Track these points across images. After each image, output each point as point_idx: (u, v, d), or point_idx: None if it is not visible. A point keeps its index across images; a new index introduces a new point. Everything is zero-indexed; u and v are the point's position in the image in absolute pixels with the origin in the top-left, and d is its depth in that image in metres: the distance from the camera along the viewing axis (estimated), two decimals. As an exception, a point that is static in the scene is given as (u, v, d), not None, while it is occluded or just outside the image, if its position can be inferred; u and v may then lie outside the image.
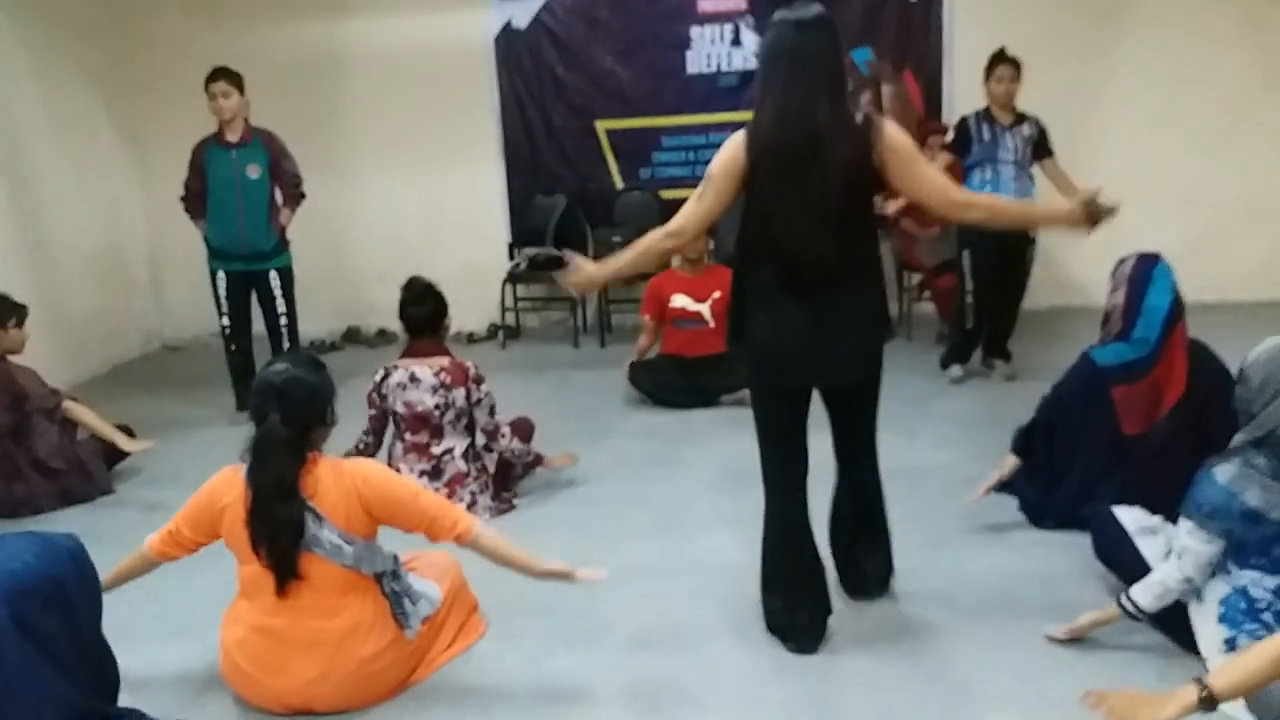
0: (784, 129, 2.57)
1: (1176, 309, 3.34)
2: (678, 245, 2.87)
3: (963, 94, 6.60)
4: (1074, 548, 3.22)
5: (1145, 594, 2.64)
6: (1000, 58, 5.22)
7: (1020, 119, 5.23)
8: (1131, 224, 6.48)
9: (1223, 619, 2.55)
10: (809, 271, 2.64)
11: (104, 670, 1.55)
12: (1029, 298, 5.83)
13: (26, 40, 5.96)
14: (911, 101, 6.71)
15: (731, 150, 2.65)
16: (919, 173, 2.65)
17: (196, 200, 5.17)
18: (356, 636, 2.56)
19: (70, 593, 1.51)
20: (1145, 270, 3.40)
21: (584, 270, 3.01)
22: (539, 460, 4.07)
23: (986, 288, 5.28)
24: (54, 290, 5.93)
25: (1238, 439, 2.54)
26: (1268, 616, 2.50)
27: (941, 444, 4.41)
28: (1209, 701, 1.98)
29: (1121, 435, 3.32)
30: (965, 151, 5.25)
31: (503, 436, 3.88)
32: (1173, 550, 2.62)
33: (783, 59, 2.59)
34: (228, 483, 2.61)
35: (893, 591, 3.13)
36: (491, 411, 3.83)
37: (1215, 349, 3.36)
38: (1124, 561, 2.91)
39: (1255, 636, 2.48)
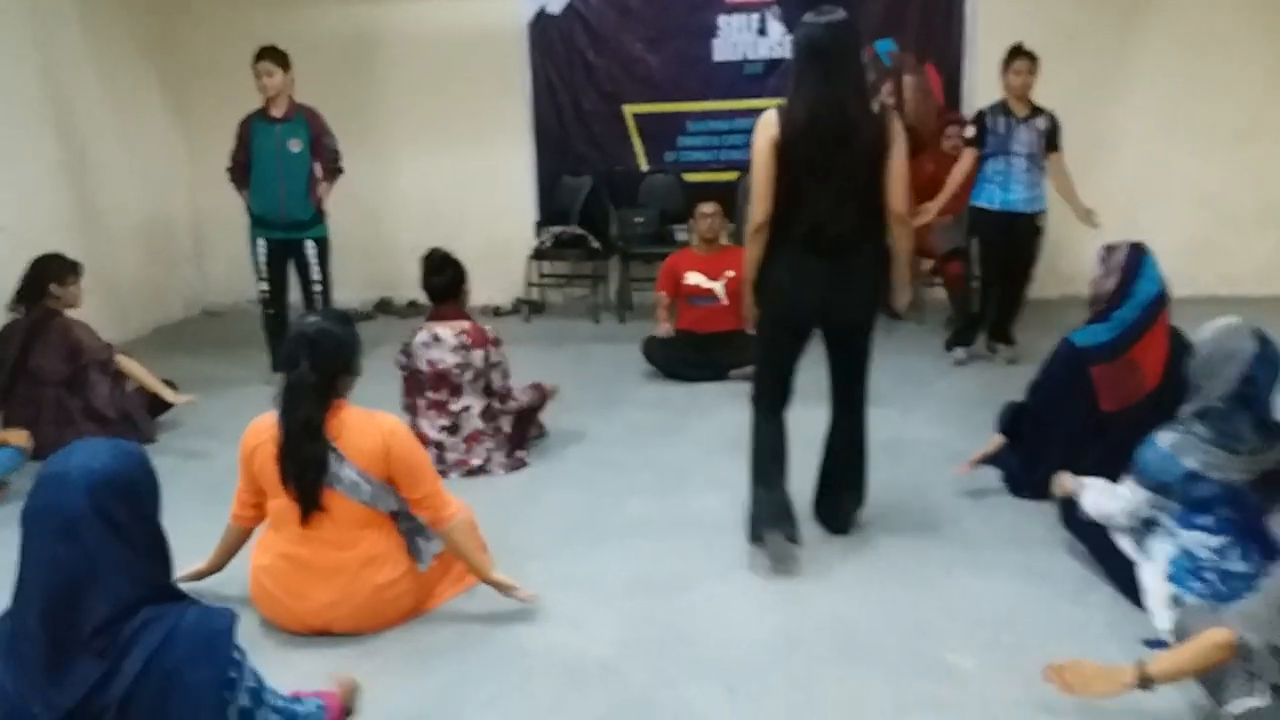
0: (818, 117, 3.02)
1: (1162, 296, 3.52)
2: (761, 228, 3.16)
3: (984, 87, 6.74)
4: (1046, 516, 3.42)
5: (1091, 504, 2.98)
6: (1018, 51, 5.35)
7: (1036, 112, 5.36)
8: (1147, 219, 6.73)
9: (1170, 578, 2.76)
10: (831, 239, 3.10)
11: (164, 554, 1.82)
12: (1040, 287, 6.00)
13: (83, 17, 6.28)
14: (932, 93, 6.86)
15: (768, 131, 3.08)
16: (896, 166, 3.11)
17: (242, 171, 5.46)
18: (372, 566, 2.83)
19: (139, 488, 1.78)
20: (1137, 259, 3.57)
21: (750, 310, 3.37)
22: (544, 396, 4.35)
23: (994, 274, 5.46)
24: (103, 255, 6.24)
25: (1184, 410, 2.75)
26: (1210, 575, 2.71)
27: (936, 421, 4.62)
28: (1146, 682, 2.22)
29: (1100, 413, 3.51)
30: (978, 138, 5.40)
31: (513, 400, 4.14)
32: (1119, 493, 2.86)
33: (815, 56, 3.05)
34: (255, 429, 2.89)
35: (865, 533, 3.44)
36: (505, 375, 4.09)
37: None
38: (1086, 529, 3.12)
39: (1198, 594, 2.70)
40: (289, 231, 5.45)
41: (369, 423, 2.83)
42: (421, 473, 2.90)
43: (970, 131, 5.48)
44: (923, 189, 6.38)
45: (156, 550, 1.79)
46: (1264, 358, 2.60)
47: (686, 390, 5.22)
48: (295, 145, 5.38)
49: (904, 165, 3.16)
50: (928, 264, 6.58)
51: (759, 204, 3.14)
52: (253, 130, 5.39)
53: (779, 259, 3.17)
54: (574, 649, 2.80)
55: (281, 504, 2.81)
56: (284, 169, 5.36)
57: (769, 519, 3.25)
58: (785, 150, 3.06)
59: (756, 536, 3.28)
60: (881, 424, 4.49)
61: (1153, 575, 2.81)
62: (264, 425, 2.85)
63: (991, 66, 6.71)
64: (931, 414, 4.72)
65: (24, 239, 5.10)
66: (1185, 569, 2.74)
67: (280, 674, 2.17)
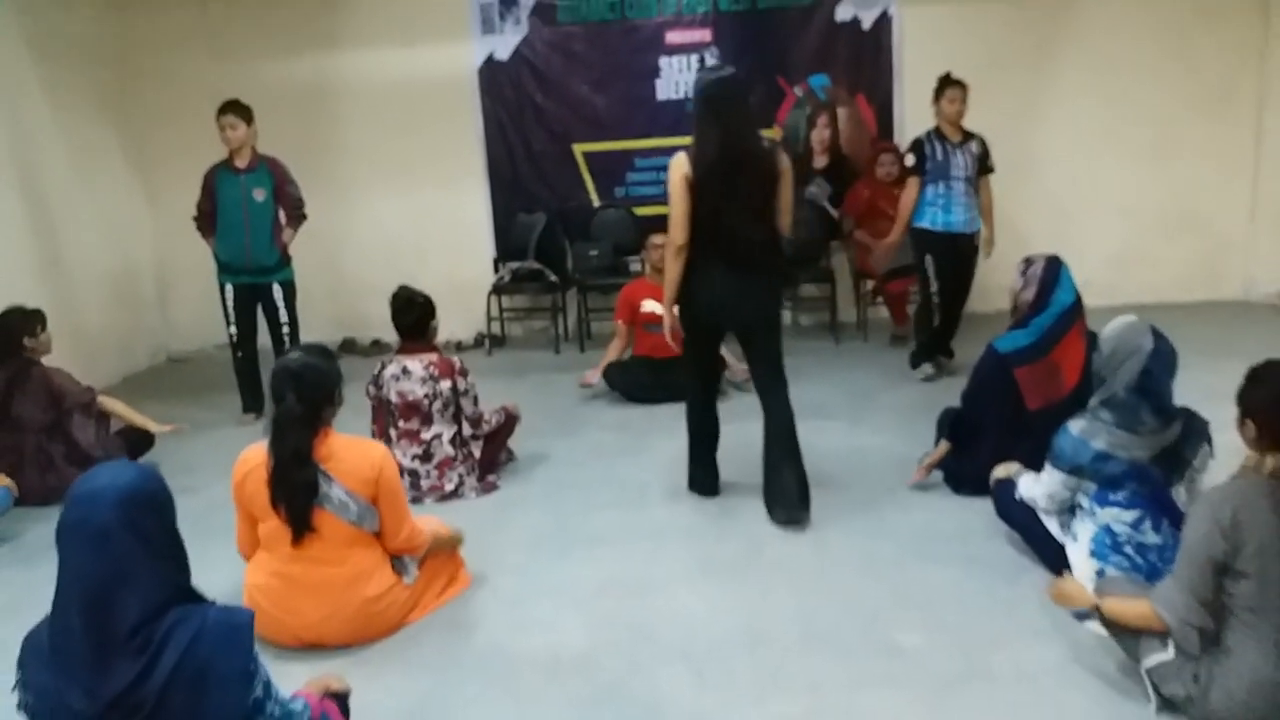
0: (725, 152, 3.64)
1: (1077, 304, 3.84)
2: (680, 250, 3.75)
3: (913, 115, 7.12)
4: (985, 510, 3.70)
5: (1024, 488, 3.29)
6: (949, 81, 5.63)
7: (968, 137, 5.66)
8: (1072, 232, 7.11)
9: (1093, 554, 3.04)
10: (739, 251, 3.71)
11: (185, 560, 2.01)
12: (981, 301, 6.35)
13: (46, 75, 6.43)
14: (865, 123, 7.24)
15: (681, 169, 3.69)
16: (786, 192, 3.78)
17: (207, 220, 5.63)
18: (360, 582, 3.03)
19: (160, 501, 1.97)
20: (1053, 271, 3.89)
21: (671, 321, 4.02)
22: (512, 421, 4.58)
23: (949, 289, 5.72)
24: (70, 306, 6.35)
25: (1092, 400, 3.05)
26: (1128, 549, 2.99)
27: (880, 430, 4.90)
28: (1096, 610, 2.61)
29: (1025, 411, 3.80)
30: (916, 168, 5.65)
31: (485, 423, 4.36)
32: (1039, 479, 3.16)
33: (712, 105, 3.67)
34: (244, 460, 3.08)
35: (821, 534, 3.70)
36: (475, 401, 4.31)
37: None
38: (1018, 518, 3.41)
39: (1120, 567, 2.98)
40: (255, 276, 5.63)
41: (361, 449, 3.05)
42: (402, 505, 3.12)
43: (911, 160, 5.70)
44: (861, 214, 6.77)
45: (178, 556, 1.99)
46: (1159, 352, 2.92)
47: (646, 412, 5.46)
48: (260, 194, 5.58)
49: (790, 192, 3.80)
50: (869, 285, 6.93)
51: (678, 230, 3.71)
52: (218, 180, 5.57)
53: (697, 273, 3.77)
54: (551, 648, 3.02)
55: (273, 526, 3.00)
56: (249, 217, 5.54)
57: (696, 486, 4.16)
58: (697, 183, 3.65)
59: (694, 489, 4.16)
60: (832, 435, 4.84)
61: (1077, 553, 3.09)
62: (252, 455, 3.05)
63: (919, 97, 7.10)
64: (877, 424, 5.00)
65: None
66: (1106, 545, 3.02)
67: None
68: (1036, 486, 3.21)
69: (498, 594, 3.40)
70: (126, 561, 1.88)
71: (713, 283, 3.76)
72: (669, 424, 5.20)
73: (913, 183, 5.66)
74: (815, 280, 7.14)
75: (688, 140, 7.08)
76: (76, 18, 6.82)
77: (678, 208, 3.69)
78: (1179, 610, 2.41)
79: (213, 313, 5.97)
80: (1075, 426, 3.02)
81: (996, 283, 6.90)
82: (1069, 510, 3.20)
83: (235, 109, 5.47)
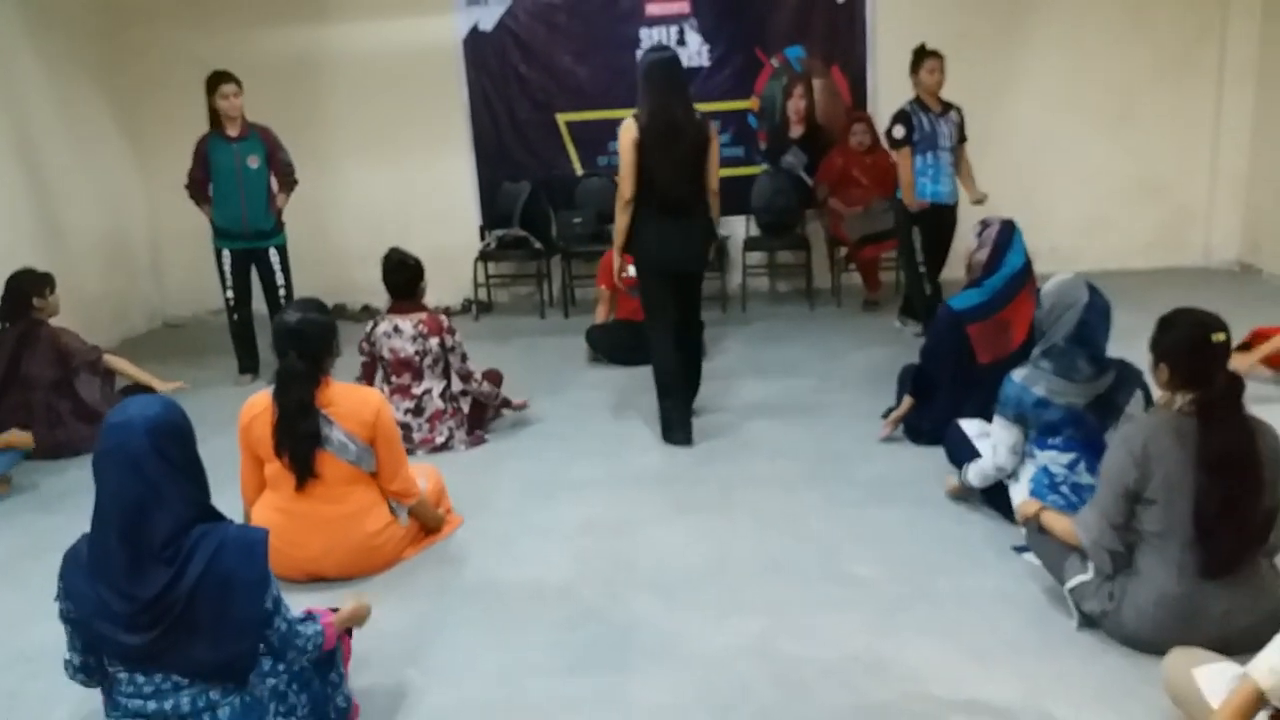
0: (662, 119, 4.24)
1: (1027, 266, 4.11)
2: (628, 203, 4.34)
3: (886, 86, 7.35)
4: (939, 457, 3.98)
5: (974, 475, 3.45)
6: (926, 52, 5.74)
7: (947, 107, 5.80)
8: (1040, 200, 7.36)
9: (1032, 493, 3.32)
10: (675, 204, 4.32)
11: (205, 482, 2.26)
12: (953, 268, 6.58)
13: (41, 48, 6.60)
14: (839, 93, 7.45)
15: (630, 133, 4.27)
16: (715, 157, 4.42)
17: (199, 188, 5.82)
18: (359, 518, 3.29)
19: (184, 430, 2.21)
20: (1006, 234, 4.16)
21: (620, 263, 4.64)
22: (506, 402, 4.78)
23: (930, 261, 5.86)
24: (67, 272, 6.45)
25: (1035, 351, 3.32)
26: (1064, 488, 3.27)
27: (848, 387, 5.16)
28: (1036, 518, 2.97)
29: (977, 365, 4.07)
30: (906, 139, 5.69)
31: (475, 380, 4.60)
32: (992, 443, 3.40)
33: (655, 80, 4.29)
34: (249, 406, 3.32)
35: (788, 481, 3.99)
36: (464, 358, 4.55)
37: (1116, 312, 4.00)
38: (966, 460, 3.68)
39: (1056, 505, 3.25)
40: (253, 241, 5.83)
41: (359, 395, 3.30)
42: (399, 449, 3.38)
43: (900, 132, 5.72)
44: (834, 182, 7.00)
45: (200, 479, 2.24)
46: (1093, 305, 3.17)
47: (627, 373, 5.71)
48: (254, 161, 5.77)
49: (718, 155, 4.45)
50: (843, 251, 7.18)
51: (627, 184, 4.30)
52: (210, 149, 5.75)
53: (644, 224, 4.36)
54: (535, 578, 3.30)
55: (277, 467, 3.25)
56: (245, 184, 5.74)
57: (676, 424, 4.49)
58: (642, 145, 4.24)
59: (667, 438, 4.48)
60: (801, 392, 5.13)
61: (1018, 493, 3.37)
62: (258, 400, 3.29)
63: (892, 68, 7.34)
64: (843, 381, 5.27)
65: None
66: (1044, 484, 3.30)
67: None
68: (1000, 448, 3.37)
69: (487, 533, 3.66)
70: (157, 483, 2.12)
71: (657, 231, 4.36)
72: (648, 383, 5.43)
73: (905, 154, 5.73)
74: (791, 247, 7.38)
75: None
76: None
77: (627, 166, 4.28)
78: (1093, 531, 2.70)
79: (206, 279, 6.17)
80: (1018, 374, 3.29)
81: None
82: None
83: (229, 78, 5.65)
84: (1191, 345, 2.65)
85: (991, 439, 3.41)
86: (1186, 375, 2.65)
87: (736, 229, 7.43)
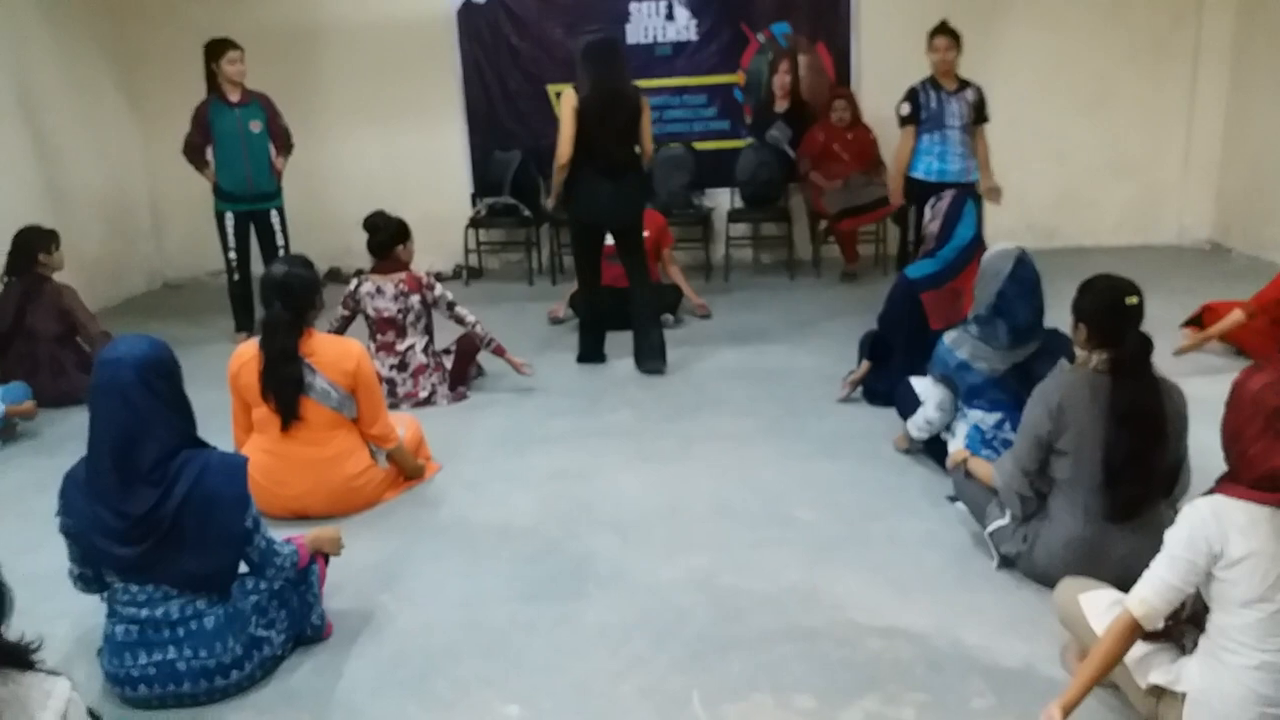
0: (604, 90, 4.83)
1: (977, 238, 4.32)
2: (564, 165, 4.96)
3: (869, 63, 7.57)
4: (890, 417, 4.20)
5: (912, 427, 3.71)
6: (940, 29, 5.73)
7: (963, 85, 5.70)
8: (1016, 178, 7.58)
9: (966, 446, 3.56)
10: (613, 165, 4.94)
11: (191, 413, 2.49)
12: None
13: (47, 15, 6.81)
14: (824, 70, 7.64)
15: (571, 102, 4.87)
16: (645, 122, 4.99)
17: (197, 152, 6.04)
18: (340, 460, 3.54)
19: (170, 365, 2.45)
20: (957, 207, 4.37)
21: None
22: (500, 349, 4.98)
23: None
24: (70, 233, 6.67)
25: (969, 315, 3.54)
26: (995, 444, 3.50)
27: (817, 353, 5.38)
28: (963, 465, 3.25)
29: (930, 331, 4.29)
30: (913, 116, 5.67)
31: (469, 319, 4.80)
32: (924, 398, 3.64)
33: (592, 56, 4.87)
34: (238, 355, 3.56)
35: (747, 436, 4.21)
36: (451, 305, 4.78)
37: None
38: (903, 406, 3.92)
39: (987, 458, 3.49)
40: (255, 204, 6.05)
41: (342, 346, 3.54)
42: (378, 397, 3.62)
43: (905, 109, 5.67)
44: (816, 157, 7.21)
45: (185, 410, 2.49)
46: (1015, 277, 3.38)
47: (608, 337, 5.93)
48: (255, 126, 5.99)
49: (649, 121, 5.02)
50: (823, 224, 7.38)
51: (565, 147, 4.89)
52: (212, 114, 5.96)
53: (580, 183, 4.97)
54: (503, 519, 3.55)
55: (264, 412, 3.49)
56: (248, 148, 5.96)
57: (588, 356, 5.39)
58: (582, 113, 4.83)
59: (640, 367, 5.21)
60: (772, 356, 5.37)
61: (954, 445, 3.61)
62: (246, 349, 3.54)
63: (876, 45, 7.56)
64: (813, 348, 5.49)
65: (-2, 218, 5.66)
66: (976, 440, 3.54)
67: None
68: (929, 403, 3.66)
69: (461, 479, 3.92)
70: (145, 413, 2.37)
71: (593, 189, 4.97)
72: (626, 346, 5.70)
73: (908, 132, 5.69)
74: (774, 219, 7.59)
75: (656, 82, 7.66)
76: (74, -43, 7.17)
77: (566, 131, 4.87)
78: (1006, 476, 2.94)
79: (205, 241, 6.39)
80: (947, 337, 3.53)
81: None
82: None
83: (238, 45, 5.85)
84: (1107, 307, 2.87)
85: (932, 392, 3.65)
86: (1101, 335, 2.87)
87: (721, 201, 7.64)
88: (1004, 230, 5.74)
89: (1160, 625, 2.17)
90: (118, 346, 2.45)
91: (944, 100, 5.67)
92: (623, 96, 4.87)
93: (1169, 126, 7.74)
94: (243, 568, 2.60)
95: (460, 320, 4.79)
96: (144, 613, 2.46)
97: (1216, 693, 2.10)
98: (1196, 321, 5.13)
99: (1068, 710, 2.11)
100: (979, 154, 5.82)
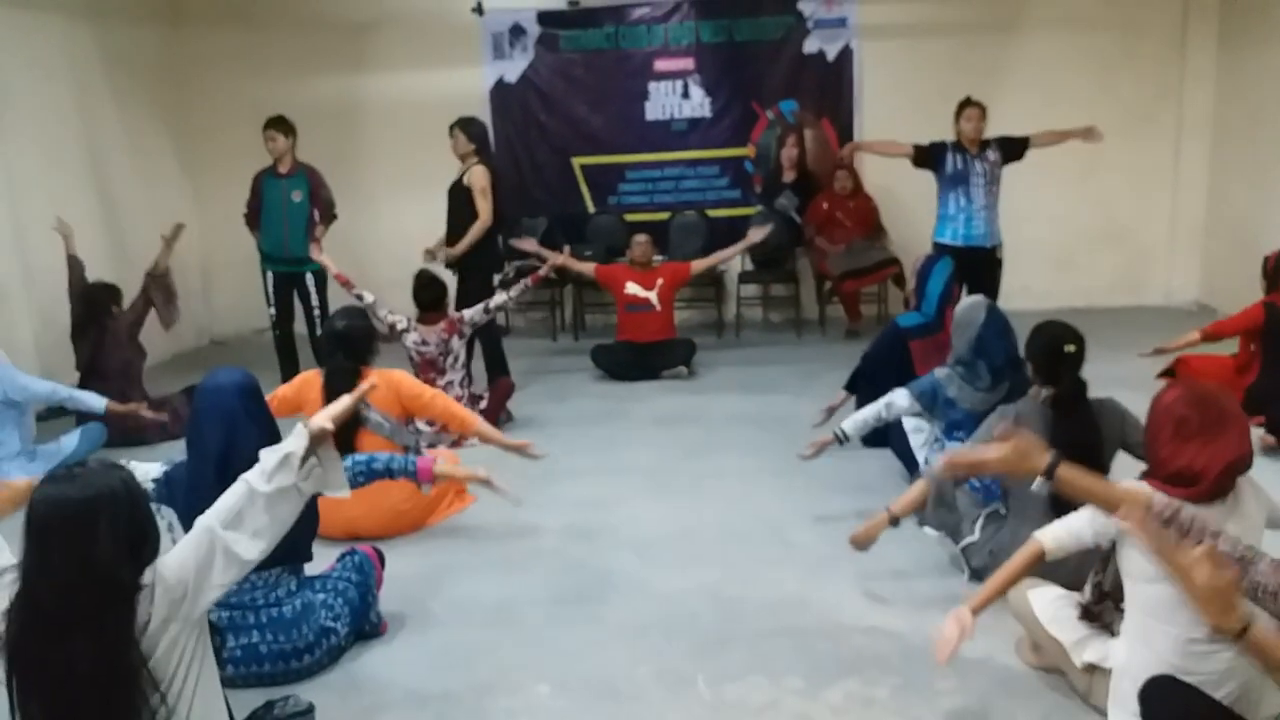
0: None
1: (947, 293, 4.79)
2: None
3: (871, 136, 8.05)
4: (885, 457, 4.64)
5: (850, 425, 4.17)
6: (968, 102, 6.23)
7: (984, 146, 6.12)
8: (1013, 242, 8.01)
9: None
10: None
11: (276, 429, 2.99)
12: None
13: (114, 90, 7.47)
14: (829, 143, 8.20)
15: (489, 177, 6.00)
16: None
17: (254, 216, 6.64)
18: (390, 487, 3.98)
19: (260, 391, 2.95)
20: (928, 266, 4.90)
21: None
22: (509, 387, 5.62)
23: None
24: (128, 289, 7.24)
25: (949, 360, 4.00)
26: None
27: (818, 401, 5.62)
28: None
29: (914, 374, 4.73)
30: (929, 163, 6.13)
31: (494, 302, 5.62)
32: (888, 400, 4.08)
33: (485, 138, 6.21)
34: (312, 387, 4.04)
35: (752, 475, 4.65)
36: (485, 309, 5.52)
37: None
38: (898, 448, 4.37)
39: (966, 488, 3.91)
40: (292, 266, 6.61)
41: (386, 377, 4.04)
42: (428, 394, 4.14)
43: (925, 143, 6.08)
44: (821, 223, 7.73)
45: (272, 425, 2.97)
46: (988, 323, 3.86)
47: (627, 387, 6.42)
48: (297, 196, 6.57)
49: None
50: (828, 285, 7.87)
51: (489, 215, 6.02)
52: (263, 183, 6.58)
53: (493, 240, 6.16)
54: (533, 540, 4.01)
55: (325, 444, 3.97)
56: (288, 215, 6.54)
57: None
58: (494, 185, 5.94)
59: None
60: (778, 405, 5.81)
61: (917, 442, 4.07)
62: (314, 376, 4.03)
63: (877, 120, 8.11)
64: (817, 396, 5.86)
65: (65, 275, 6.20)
66: (953, 467, 3.97)
67: (323, 558, 3.35)
68: (892, 407, 4.12)
69: (494, 508, 4.32)
70: (242, 430, 2.85)
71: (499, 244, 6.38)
72: (644, 395, 6.19)
73: (905, 147, 6.13)
74: (782, 281, 8.11)
75: (673, 155, 8.20)
76: (142, 35, 7.88)
77: (488, 201, 5.94)
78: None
79: (250, 301, 6.92)
80: (940, 373, 3.99)
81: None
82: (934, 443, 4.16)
83: (277, 124, 6.46)
84: (1049, 351, 3.34)
85: (891, 398, 4.08)
86: (1043, 374, 3.34)
87: (733, 263, 8.13)
88: (1002, 291, 6.19)
89: (1059, 556, 2.63)
90: (218, 376, 2.95)
91: (969, 161, 6.06)
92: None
93: (1156, 194, 8.23)
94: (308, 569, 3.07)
95: (493, 310, 5.56)
96: (233, 598, 2.92)
97: (1138, 663, 2.50)
98: (1170, 373, 5.55)
99: (975, 612, 2.57)
100: (1048, 138, 6.27)
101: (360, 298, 5.52)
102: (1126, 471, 2.85)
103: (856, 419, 4.17)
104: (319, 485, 2.31)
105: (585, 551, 3.87)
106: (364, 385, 2.58)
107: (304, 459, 2.24)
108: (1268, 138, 7.33)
